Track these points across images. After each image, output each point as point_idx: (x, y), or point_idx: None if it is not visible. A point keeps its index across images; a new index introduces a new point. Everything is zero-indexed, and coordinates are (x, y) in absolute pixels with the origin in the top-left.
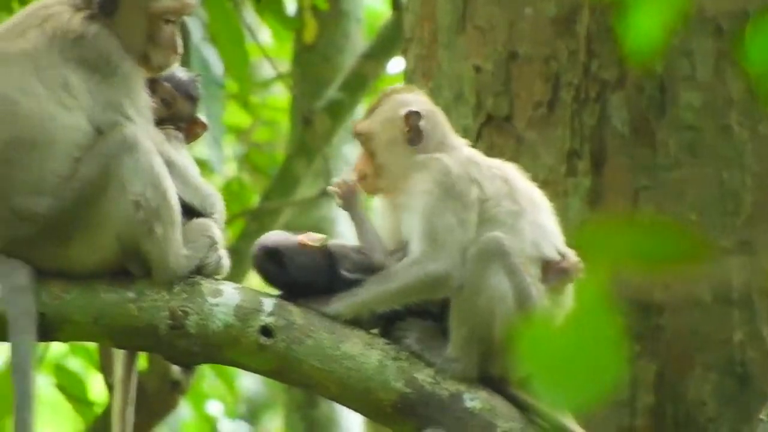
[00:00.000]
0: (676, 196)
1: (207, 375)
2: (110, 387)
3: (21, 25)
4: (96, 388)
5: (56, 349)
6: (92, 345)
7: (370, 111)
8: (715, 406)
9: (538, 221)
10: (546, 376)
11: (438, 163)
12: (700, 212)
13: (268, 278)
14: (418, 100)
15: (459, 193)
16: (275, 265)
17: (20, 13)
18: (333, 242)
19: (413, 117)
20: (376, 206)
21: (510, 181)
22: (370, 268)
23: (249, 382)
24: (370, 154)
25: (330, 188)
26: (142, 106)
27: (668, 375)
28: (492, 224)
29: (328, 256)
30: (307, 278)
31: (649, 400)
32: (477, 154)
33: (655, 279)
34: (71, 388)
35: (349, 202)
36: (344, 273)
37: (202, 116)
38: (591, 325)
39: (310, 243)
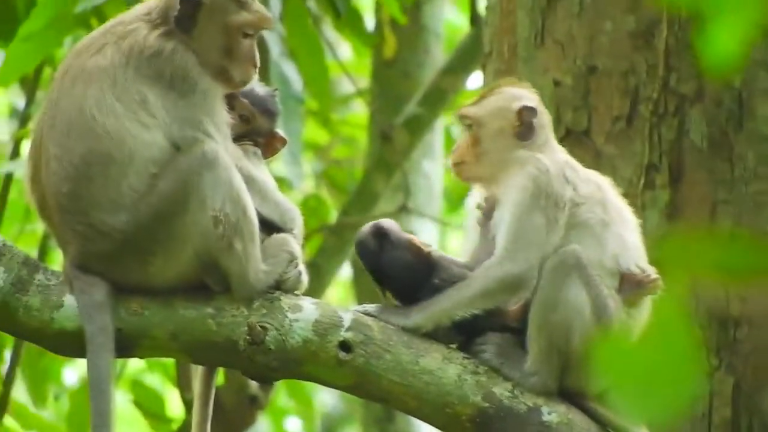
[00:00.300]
0: (754, 209)
1: (285, 390)
2: (187, 403)
3: (98, 42)
4: (173, 404)
5: (134, 365)
6: (169, 361)
7: (481, 98)
8: None
9: (623, 235)
10: (623, 389)
11: (537, 161)
12: None
13: (364, 253)
14: (531, 97)
15: (554, 192)
16: (376, 245)
17: (98, 30)
18: (438, 253)
19: (527, 112)
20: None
21: (603, 189)
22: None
23: (326, 397)
24: (473, 140)
25: (476, 203)
26: (220, 122)
27: (745, 388)
28: (581, 229)
29: (428, 263)
30: (397, 272)
31: (726, 413)
32: (573, 160)
33: (732, 292)
34: (149, 404)
35: (485, 218)
36: (436, 281)
37: (280, 131)
38: (668, 339)
39: (418, 243)
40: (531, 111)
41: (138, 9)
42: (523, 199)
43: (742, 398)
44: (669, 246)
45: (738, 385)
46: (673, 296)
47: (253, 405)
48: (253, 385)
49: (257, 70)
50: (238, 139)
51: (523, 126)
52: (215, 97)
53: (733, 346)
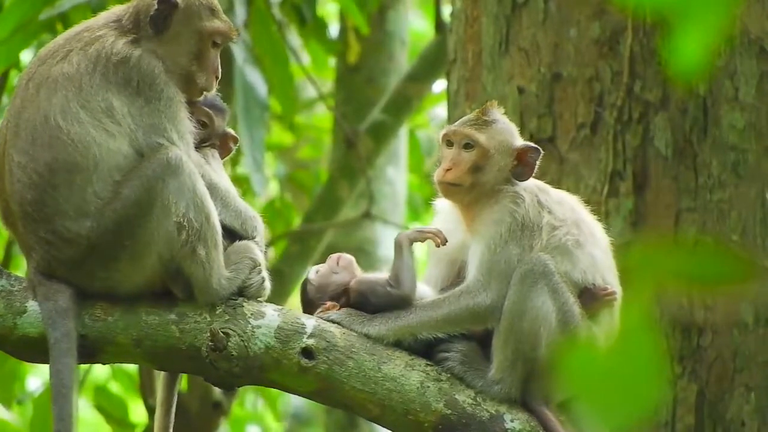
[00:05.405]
0: (718, 216)
1: (246, 397)
2: (150, 409)
3: (64, 49)
4: (137, 410)
5: (98, 372)
6: (133, 368)
7: (484, 123)
8: (754, 426)
9: (593, 253)
10: (587, 396)
11: (514, 194)
12: (743, 233)
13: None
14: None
15: (530, 222)
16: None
17: (62, 37)
18: (363, 279)
19: (533, 154)
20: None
21: (576, 210)
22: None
23: (293, 399)
24: (475, 166)
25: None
26: (183, 130)
27: (709, 395)
28: (556, 250)
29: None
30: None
31: (690, 420)
32: (544, 184)
33: (697, 300)
34: (112, 410)
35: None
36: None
37: (230, 129)
38: (633, 346)
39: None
40: (536, 152)
41: (106, 16)
42: (500, 232)
43: (705, 406)
44: (633, 254)
45: (702, 393)
46: (638, 304)
47: (217, 411)
48: (217, 391)
49: (218, 81)
50: (198, 144)
51: (524, 166)
52: (179, 106)
53: (697, 353)
